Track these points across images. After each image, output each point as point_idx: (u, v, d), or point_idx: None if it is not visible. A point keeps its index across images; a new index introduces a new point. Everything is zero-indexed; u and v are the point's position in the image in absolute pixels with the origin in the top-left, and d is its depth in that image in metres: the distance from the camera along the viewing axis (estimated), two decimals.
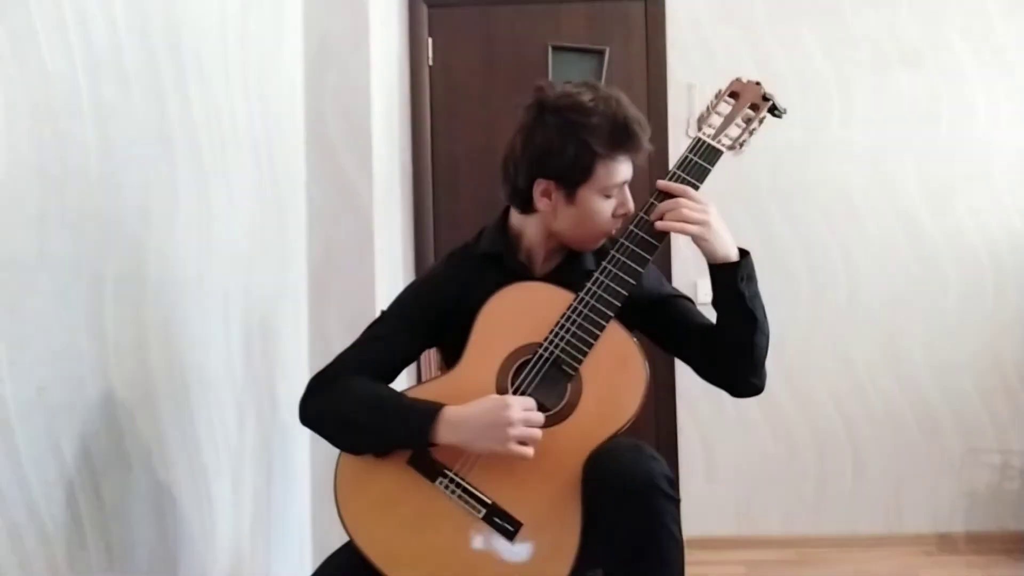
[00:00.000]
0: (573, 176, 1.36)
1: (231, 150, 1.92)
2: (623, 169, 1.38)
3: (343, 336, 2.47)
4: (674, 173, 1.37)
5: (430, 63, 3.23)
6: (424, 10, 3.22)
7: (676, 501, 1.23)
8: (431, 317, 1.46)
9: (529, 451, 1.26)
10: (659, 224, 1.33)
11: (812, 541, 3.09)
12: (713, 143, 1.38)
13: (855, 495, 3.12)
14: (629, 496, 1.19)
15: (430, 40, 3.23)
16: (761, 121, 1.42)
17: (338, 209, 2.49)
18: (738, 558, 2.96)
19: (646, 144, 1.38)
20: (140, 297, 1.50)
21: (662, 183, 1.37)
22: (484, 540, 1.29)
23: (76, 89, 1.30)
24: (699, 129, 1.40)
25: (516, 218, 1.47)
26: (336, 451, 1.38)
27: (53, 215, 1.23)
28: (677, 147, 3.14)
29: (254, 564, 2.03)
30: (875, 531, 3.10)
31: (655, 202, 1.35)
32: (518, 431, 1.25)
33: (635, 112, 1.37)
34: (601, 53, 3.19)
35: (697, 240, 1.33)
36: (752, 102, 1.42)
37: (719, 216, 1.34)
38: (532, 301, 1.37)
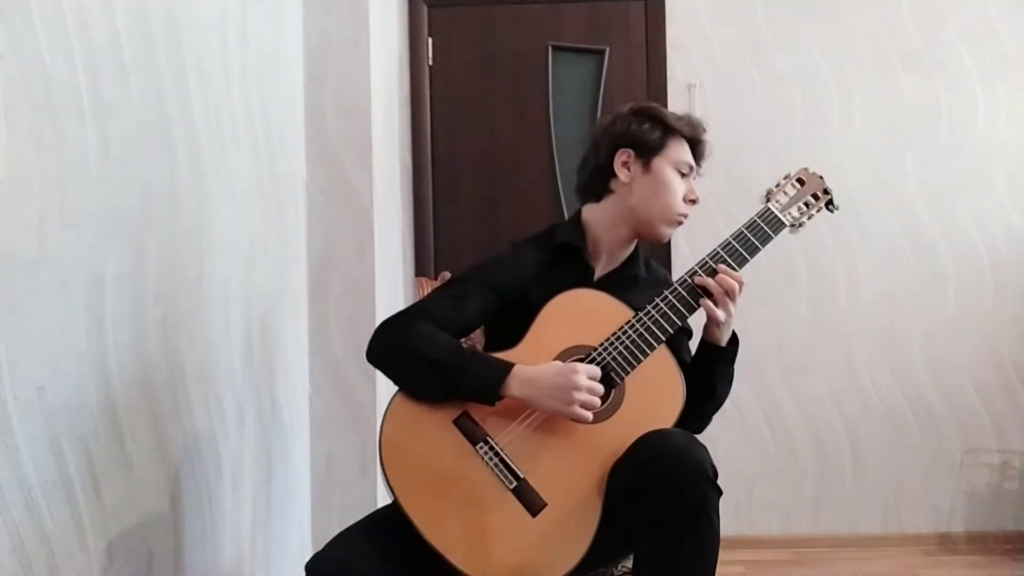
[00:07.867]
0: (649, 146, 1.55)
1: (231, 150, 1.92)
2: (689, 152, 1.57)
3: (343, 336, 2.49)
4: (741, 232, 1.51)
5: (430, 63, 3.23)
6: (424, 10, 3.22)
7: (720, 493, 1.26)
8: (505, 287, 1.52)
9: (589, 415, 1.34)
10: (704, 303, 1.44)
11: (811, 541, 3.09)
12: (780, 215, 1.55)
13: (854, 495, 3.12)
14: (679, 478, 1.23)
15: (430, 40, 3.23)
16: (818, 210, 1.59)
17: (338, 209, 2.49)
18: (737, 558, 2.96)
19: (705, 145, 1.60)
20: (140, 297, 1.50)
21: (721, 272, 1.47)
22: (508, 511, 1.33)
23: (76, 88, 1.30)
24: (767, 200, 1.55)
25: (588, 212, 1.61)
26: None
27: (53, 215, 1.23)
28: None
29: (254, 564, 2.04)
30: (874, 531, 3.11)
31: (722, 252, 1.48)
32: (583, 396, 1.33)
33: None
34: (601, 53, 3.20)
35: (714, 325, 1.48)
36: (814, 191, 1.58)
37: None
38: (595, 309, 1.46)
